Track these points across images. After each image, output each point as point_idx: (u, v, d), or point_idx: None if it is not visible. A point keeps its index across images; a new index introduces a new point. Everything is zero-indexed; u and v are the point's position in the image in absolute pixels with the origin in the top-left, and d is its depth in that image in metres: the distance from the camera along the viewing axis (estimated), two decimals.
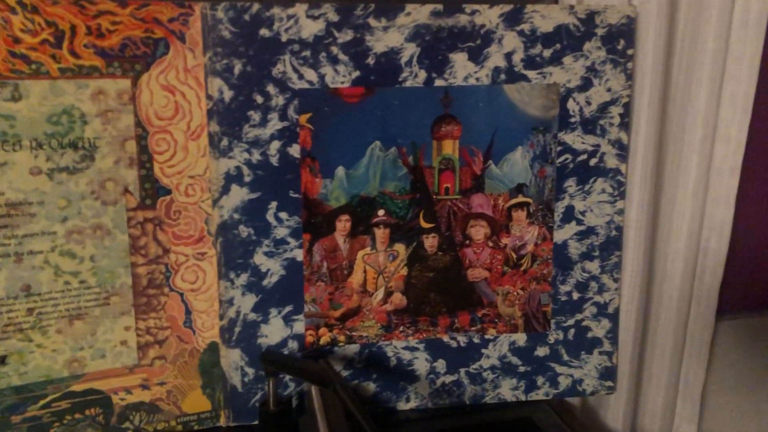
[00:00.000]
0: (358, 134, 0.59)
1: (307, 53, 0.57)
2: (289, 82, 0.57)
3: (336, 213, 0.60)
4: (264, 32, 0.56)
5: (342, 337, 0.62)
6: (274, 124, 0.57)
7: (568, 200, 0.63)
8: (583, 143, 0.62)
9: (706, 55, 0.64)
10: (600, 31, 0.60)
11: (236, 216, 0.58)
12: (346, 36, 0.57)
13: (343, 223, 0.61)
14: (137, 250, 0.56)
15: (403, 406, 0.64)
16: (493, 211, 0.62)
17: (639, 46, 0.62)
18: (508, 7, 0.59)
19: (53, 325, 0.55)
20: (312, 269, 0.61)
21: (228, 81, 0.56)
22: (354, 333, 0.62)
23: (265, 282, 0.60)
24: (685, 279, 0.70)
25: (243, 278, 0.59)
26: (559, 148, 0.62)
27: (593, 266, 0.64)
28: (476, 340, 0.64)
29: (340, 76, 0.58)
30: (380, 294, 0.62)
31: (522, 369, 0.65)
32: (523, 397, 0.66)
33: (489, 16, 0.59)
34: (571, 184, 0.63)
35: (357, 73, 0.58)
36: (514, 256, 0.63)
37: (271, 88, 0.57)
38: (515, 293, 0.64)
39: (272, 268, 0.60)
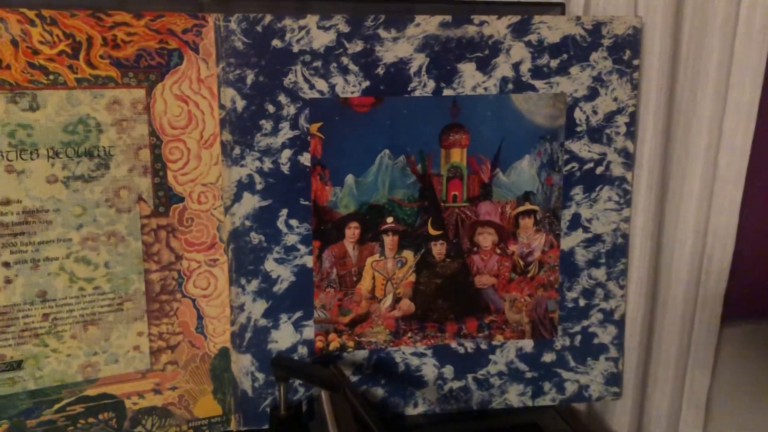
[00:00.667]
0: (368, 143, 0.60)
1: (318, 63, 0.58)
2: (300, 92, 0.58)
3: (345, 220, 0.61)
4: (276, 43, 0.57)
5: (351, 343, 0.63)
6: (286, 133, 0.58)
7: (575, 208, 0.64)
8: (589, 152, 0.63)
9: (711, 65, 0.65)
10: (606, 42, 0.61)
11: (247, 223, 0.59)
12: (356, 47, 0.58)
13: (353, 230, 0.61)
14: (150, 256, 0.57)
15: (411, 411, 0.65)
16: (501, 218, 0.63)
17: (645, 56, 0.63)
18: (515, 18, 0.60)
19: (68, 330, 0.55)
20: (321, 276, 0.61)
21: (240, 91, 0.57)
22: (363, 339, 0.63)
23: (275, 288, 0.60)
24: (690, 286, 0.70)
25: (254, 284, 0.60)
26: (565, 157, 0.63)
27: (600, 273, 0.65)
28: (483, 346, 0.65)
29: (350, 86, 0.59)
30: (389, 300, 0.63)
31: (529, 375, 0.66)
32: (529, 403, 0.67)
33: (497, 27, 0.60)
34: (577, 192, 0.64)
35: (367, 83, 0.59)
36: (522, 263, 0.64)
37: (282, 98, 0.58)
38: (522, 300, 0.65)
39: (282, 275, 0.61)
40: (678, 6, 0.64)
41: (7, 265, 0.53)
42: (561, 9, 0.63)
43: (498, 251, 0.63)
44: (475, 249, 0.63)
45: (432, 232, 0.62)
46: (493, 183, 0.62)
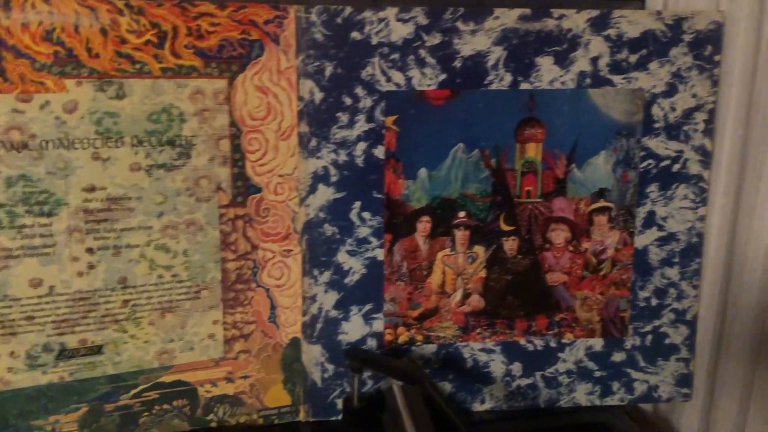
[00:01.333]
0: (442, 136, 0.60)
1: (396, 56, 0.57)
2: (377, 85, 0.58)
3: (417, 214, 0.61)
4: (355, 35, 0.57)
5: (419, 337, 0.63)
6: (361, 125, 0.58)
7: (650, 205, 0.63)
8: (666, 149, 0.62)
9: None
10: (687, 37, 0.60)
11: (321, 215, 0.59)
12: (434, 39, 0.58)
13: (424, 224, 0.61)
14: (227, 246, 0.57)
15: (478, 407, 0.64)
16: (575, 215, 0.62)
17: (725, 52, 0.61)
18: (595, 12, 0.59)
19: (146, 317, 0.56)
20: (392, 269, 0.61)
21: (319, 83, 0.57)
22: (431, 333, 0.63)
23: (347, 280, 0.61)
24: (763, 288, 0.69)
25: (326, 276, 0.60)
26: (642, 153, 0.62)
27: (673, 272, 0.64)
28: (553, 344, 0.64)
29: (426, 79, 0.58)
30: (458, 295, 0.63)
31: (598, 374, 0.65)
32: (597, 402, 0.66)
33: (576, 21, 0.59)
34: (653, 189, 0.62)
35: (443, 76, 0.59)
36: (594, 260, 0.63)
37: (359, 90, 0.58)
38: (594, 298, 0.64)
39: (354, 267, 0.61)
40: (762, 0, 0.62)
41: (90, 250, 0.54)
42: (640, 3, 0.62)
43: (570, 248, 0.63)
44: (548, 246, 0.63)
45: (504, 227, 0.62)
46: (568, 179, 0.61)
